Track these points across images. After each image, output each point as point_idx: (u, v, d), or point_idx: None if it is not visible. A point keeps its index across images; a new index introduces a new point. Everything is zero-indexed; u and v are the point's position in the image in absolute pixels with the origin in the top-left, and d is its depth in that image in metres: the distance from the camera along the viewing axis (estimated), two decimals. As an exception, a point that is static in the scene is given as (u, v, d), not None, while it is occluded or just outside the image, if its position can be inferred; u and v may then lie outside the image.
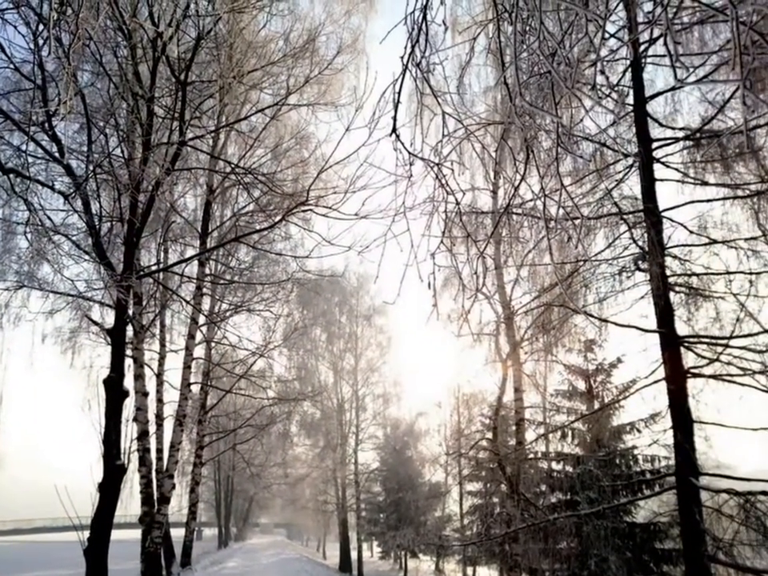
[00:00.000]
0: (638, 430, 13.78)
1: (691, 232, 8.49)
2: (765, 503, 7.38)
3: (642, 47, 8.31)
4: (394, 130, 3.46)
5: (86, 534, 8.46)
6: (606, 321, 9.05)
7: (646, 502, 12.03)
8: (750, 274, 7.93)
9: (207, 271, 16.35)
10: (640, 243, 8.62)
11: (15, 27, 8.44)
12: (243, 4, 9.33)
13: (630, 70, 8.63)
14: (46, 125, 8.83)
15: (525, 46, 3.16)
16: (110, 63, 9.85)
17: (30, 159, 9.42)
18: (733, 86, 7.47)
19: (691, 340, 8.22)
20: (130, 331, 12.39)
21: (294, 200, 10.05)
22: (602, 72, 7.94)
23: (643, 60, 8.51)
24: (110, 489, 8.67)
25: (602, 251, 9.10)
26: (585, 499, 13.48)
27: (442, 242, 3.60)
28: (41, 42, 8.30)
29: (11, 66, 9.22)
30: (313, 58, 10.82)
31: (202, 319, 16.25)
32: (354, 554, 30.88)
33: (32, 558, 28.85)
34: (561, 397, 15.82)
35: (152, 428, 15.10)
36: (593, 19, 2.73)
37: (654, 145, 8.55)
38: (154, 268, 15.01)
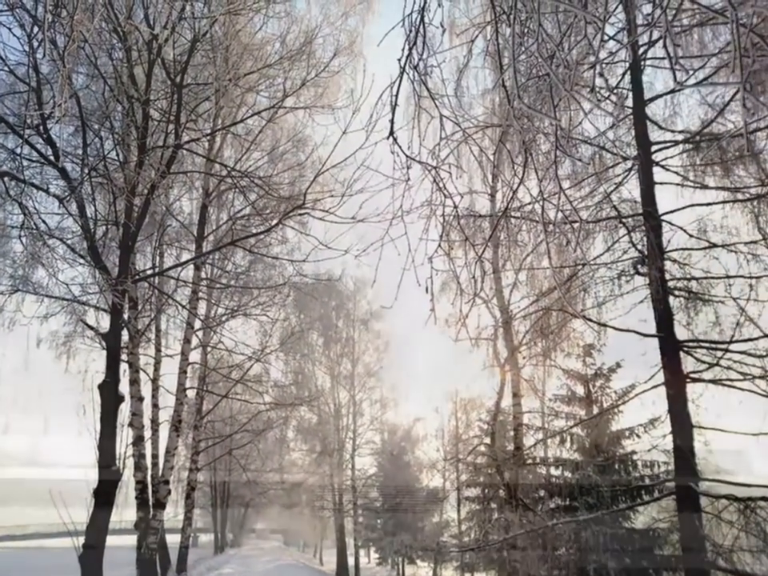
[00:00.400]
0: (638, 435, 13.68)
1: (691, 236, 8.46)
2: (765, 509, 7.33)
3: (642, 49, 8.29)
4: (392, 132, 3.42)
5: (81, 540, 8.40)
6: (604, 325, 9.02)
7: (645, 507, 11.95)
8: (750, 277, 7.91)
9: (203, 275, 16.25)
10: (639, 247, 8.58)
11: (9, 29, 8.44)
12: (239, 6, 9.30)
13: (629, 72, 8.61)
14: (41, 128, 8.78)
15: (523, 48, 3.12)
16: (105, 66, 9.79)
17: (25, 162, 9.35)
18: (733, 89, 7.46)
19: (691, 344, 8.18)
20: (125, 336, 12.30)
21: (291, 203, 10.02)
22: (601, 74, 7.95)
23: (642, 62, 8.49)
24: (105, 494, 8.59)
25: (601, 255, 9.08)
26: (583, 505, 13.38)
27: (439, 245, 3.56)
28: (35, 44, 8.27)
29: (6, 68, 9.19)
30: (309, 61, 10.77)
31: (197, 324, 16.15)
32: (351, 560, 30.70)
33: (26, 564, 28.66)
34: (559, 402, 15.69)
35: (147, 433, 14.95)
36: (592, 21, 2.68)
37: (654, 148, 8.52)
38: (149, 272, 14.89)
